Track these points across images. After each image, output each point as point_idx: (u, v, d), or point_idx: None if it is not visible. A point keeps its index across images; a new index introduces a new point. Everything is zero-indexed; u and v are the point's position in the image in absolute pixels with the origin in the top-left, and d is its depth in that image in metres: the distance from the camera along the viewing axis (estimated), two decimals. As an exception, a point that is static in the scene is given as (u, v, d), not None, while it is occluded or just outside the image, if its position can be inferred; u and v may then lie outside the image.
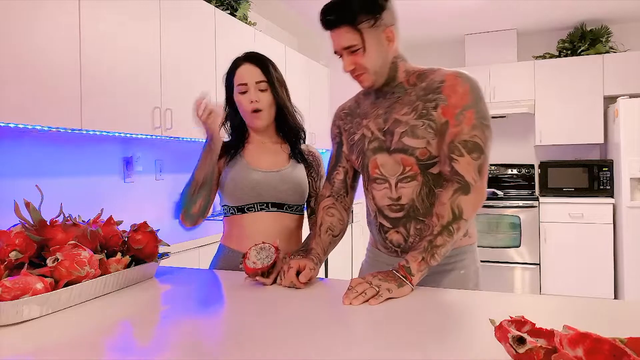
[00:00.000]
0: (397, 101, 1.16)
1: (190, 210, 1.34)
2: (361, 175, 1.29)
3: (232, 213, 1.39)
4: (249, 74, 1.34)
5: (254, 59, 1.36)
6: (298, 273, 1.09)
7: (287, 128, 1.42)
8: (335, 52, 1.14)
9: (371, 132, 1.19)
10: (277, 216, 1.37)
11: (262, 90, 1.34)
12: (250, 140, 1.43)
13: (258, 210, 1.36)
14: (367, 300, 0.95)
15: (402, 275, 1.01)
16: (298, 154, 1.43)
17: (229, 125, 1.44)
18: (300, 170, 1.41)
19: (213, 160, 1.32)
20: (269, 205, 1.36)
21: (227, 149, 1.41)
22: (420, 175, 1.14)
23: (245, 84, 1.33)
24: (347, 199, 1.31)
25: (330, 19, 1.09)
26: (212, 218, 3.02)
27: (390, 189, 1.17)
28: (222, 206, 1.43)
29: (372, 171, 1.20)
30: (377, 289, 0.97)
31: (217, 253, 1.44)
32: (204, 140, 1.32)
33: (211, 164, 1.31)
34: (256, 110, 1.34)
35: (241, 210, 1.37)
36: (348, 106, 1.31)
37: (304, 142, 1.48)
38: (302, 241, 1.41)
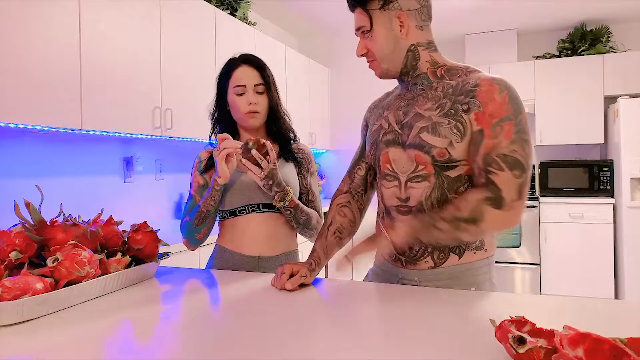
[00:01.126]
0: (421, 94, 1.08)
1: (195, 236, 1.38)
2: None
3: (224, 217, 1.40)
4: (247, 76, 1.35)
5: (251, 61, 1.37)
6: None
7: (278, 129, 1.43)
8: (356, 35, 1.12)
9: (388, 123, 1.13)
10: (269, 217, 1.38)
11: (259, 93, 1.36)
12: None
13: (249, 212, 1.37)
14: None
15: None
16: (286, 152, 1.43)
17: (218, 128, 1.44)
18: (288, 169, 1.41)
19: (217, 195, 1.32)
20: (260, 207, 1.37)
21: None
22: (433, 177, 1.05)
23: (244, 86, 1.34)
24: (364, 197, 1.26)
25: (348, 1, 1.10)
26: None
27: (400, 188, 1.10)
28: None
29: (383, 166, 1.14)
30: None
31: (213, 253, 1.45)
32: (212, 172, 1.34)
33: (215, 197, 1.32)
34: (253, 112, 1.35)
35: (233, 213, 1.38)
36: (379, 99, 1.26)
37: (295, 142, 1.48)
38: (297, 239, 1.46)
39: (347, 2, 1.10)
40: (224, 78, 1.38)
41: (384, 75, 1.12)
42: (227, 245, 1.40)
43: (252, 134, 1.42)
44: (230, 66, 1.38)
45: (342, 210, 1.24)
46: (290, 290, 1.06)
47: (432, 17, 1.12)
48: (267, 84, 1.37)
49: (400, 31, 1.06)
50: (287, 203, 1.32)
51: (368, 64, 1.13)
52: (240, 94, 1.35)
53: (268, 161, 1.26)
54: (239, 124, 1.41)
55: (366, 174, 1.25)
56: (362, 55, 1.11)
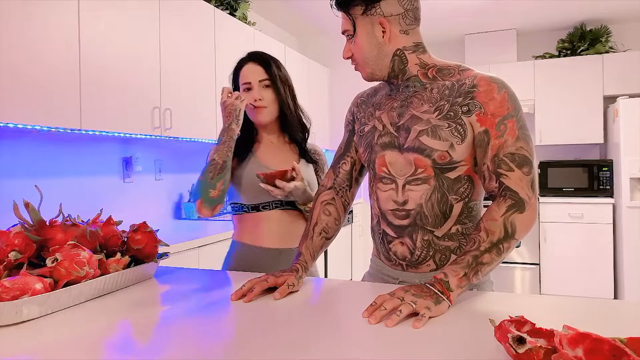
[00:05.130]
0: (415, 95, 1.06)
1: (209, 194, 1.31)
2: (367, 173, 1.22)
3: (245, 211, 1.42)
4: (252, 72, 1.40)
5: (257, 57, 1.42)
6: (276, 287, 1.02)
7: (290, 126, 1.45)
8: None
9: (383, 125, 1.10)
10: (291, 213, 1.42)
11: (266, 87, 1.40)
12: (259, 139, 1.48)
13: (273, 209, 1.40)
14: (402, 320, 0.82)
15: (438, 290, 0.88)
16: (307, 154, 1.48)
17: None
18: (311, 170, 1.47)
19: (232, 144, 1.34)
20: (283, 203, 1.40)
21: (237, 148, 1.40)
22: (433, 179, 1.04)
23: (250, 83, 1.39)
24: (348, 193, 1.24)
25: (331, 3, 1.09)
26: (212, 218, 3.02)
27: (397, 191, 1.08)
28: (233, 204, 1.45)
29: (378, 169, 1.11)
30: (414, 306, 0.83)
31: (231, 250, 1.46)
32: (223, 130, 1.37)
33: (231, 146, 1.34)
34: (258, 107, 1.39)
35: (256, 208, 1.41)
36: (366, 94, 1.23)
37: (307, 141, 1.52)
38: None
39: (331, 5, 1.10)
40: (235, 76, 1.44)
41: (369, 79, 1.11)
42: (247, 240, 1.42)
43: (266, 130, 1.46)
44: (239, 65, 1.44)
45: (327, 208, 1.21)
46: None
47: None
48: (273, 79, 1.39)
49: (383, 37, 1.04)
50: (307, 208, 1.38)
51: (353, 66, 1.12)
52: (248, 90, 1.40)
53: (294, 179, 1.32)
54: (251, 119, 1.46)
55: (351, 169, 1.23)
56: (347, 59, 1.11)
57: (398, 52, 1.06)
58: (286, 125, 1.45)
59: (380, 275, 1.19)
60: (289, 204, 1.41)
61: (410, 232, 1.08)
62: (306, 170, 1.43)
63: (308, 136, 1.50)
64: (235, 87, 1.45)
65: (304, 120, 1.47)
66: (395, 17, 1.04)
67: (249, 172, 1.39)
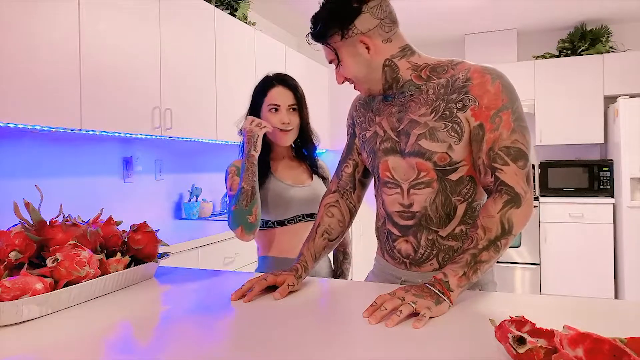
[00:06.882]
0: (412, 99, 1.05)
1: (247, 220, 1.36)
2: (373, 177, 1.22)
3: (270, 226, 1.46)
4: (282, 96, 1.43)
5: (286, 82, 1.46)
6: (275, 287, 1.03)
7: (306, 146, 1.52)
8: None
9: (384, 131, 1.11)
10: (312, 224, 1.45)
11: (293, 110, 1.45)
12: (274, 157, 1.52)
13: (297, 222, 1.46)
14: (402, 321, 0.82)
15: (438, 290, 0.88)
16: (317, 169, 1.54)
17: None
18: (322, 184, 1.54)
19: (255, 169, 1.38)
20: (305, 216, 1.47)
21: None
22: (436, 182, 1.05)
23: (278, 105, 1.43)
24: (354, 195, 1.24)
25: (307, 39, 1.09)
26: (212, 218, 3.02)
27: (402, 195, 1.09)
28: None
29: (382, 174, 1.12)
30: (414, 306, 0.84)
31: (261, 266, 1.48)
32: (240, 146, 1.43)
33: (254, 171, 1.38)
34: (285, 130, 1.44)
35: (281, 223, 1.45)
36: (364, 97, 1.22)
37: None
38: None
39: (307, 41, 1.09)
40: (259, 95, 1.46)
41: (369, 94, 1.12)
42: (275, 253, 1.45)
43: (282, 149, 1.51)
44: (266, 85, 1.45)
45: (330, 210, 1.22)
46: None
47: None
48: (299, 105, 1.46)
49: (368, 53, 1.04)
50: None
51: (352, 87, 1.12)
52: (274, 111, 1.43)
53: None
54: (270, 139, 1.48)
55: (354, 172, 1.24)
56: (342, 83, 1.11)
57: (387, 63, 1.05)
58: (302, 145, 1.52)
59: (383, 275, 1.19)
60: (308, 216, 1.47)
61: (415, 232, 1.09)
62: (318, 184, 1.51)
63: (315, 152, 1.56)
64: (255, 104, 1.46)
65: (313, 138, 1.54)
66: (373, 31, 1.02)
67: (273, 191, 1.44)
